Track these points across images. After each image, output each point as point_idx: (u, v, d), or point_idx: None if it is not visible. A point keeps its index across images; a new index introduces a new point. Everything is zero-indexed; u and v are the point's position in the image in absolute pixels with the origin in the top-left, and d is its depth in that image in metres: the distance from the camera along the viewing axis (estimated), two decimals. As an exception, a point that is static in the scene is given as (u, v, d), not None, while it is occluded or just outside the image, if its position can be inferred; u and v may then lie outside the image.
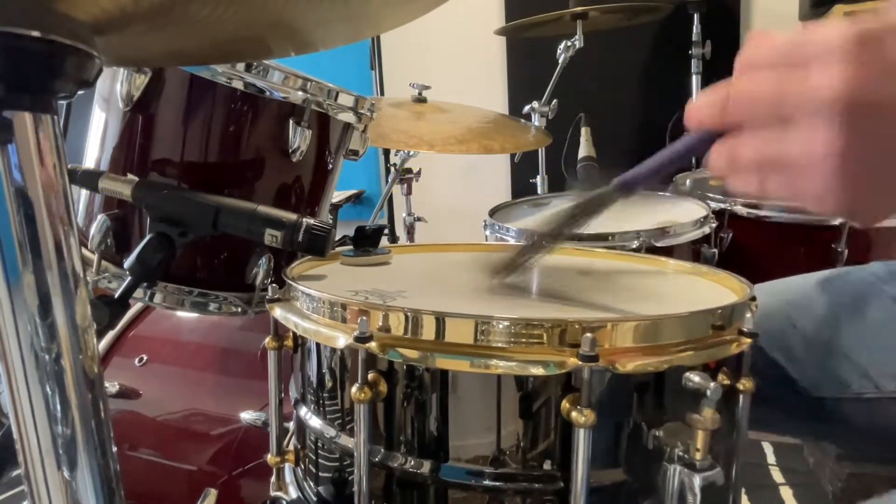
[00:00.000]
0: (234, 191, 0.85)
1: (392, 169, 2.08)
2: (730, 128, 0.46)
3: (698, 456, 0.50)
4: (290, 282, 0.65)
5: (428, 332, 0.52)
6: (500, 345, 0.51)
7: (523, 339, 0.51)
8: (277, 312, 0.64)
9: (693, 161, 2.29)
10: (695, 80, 2.31)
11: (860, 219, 0.47)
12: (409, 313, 0.53)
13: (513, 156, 2.71)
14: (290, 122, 0.85)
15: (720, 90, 0.46)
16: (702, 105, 0.47)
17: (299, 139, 0.85)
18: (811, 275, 0.89)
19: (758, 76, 0.44)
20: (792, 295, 0.86)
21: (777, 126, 0.43)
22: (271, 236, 0.74)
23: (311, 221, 0.75)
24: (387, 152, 2.58)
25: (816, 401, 0.80)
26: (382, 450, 0.57)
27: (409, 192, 2.14)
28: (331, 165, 0.95)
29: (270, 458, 0.71)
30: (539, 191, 2.05)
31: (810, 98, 0.41)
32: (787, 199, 0.46)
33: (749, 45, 0.46)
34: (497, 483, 0.54)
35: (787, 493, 1.56)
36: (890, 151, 0.42)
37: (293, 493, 0.69)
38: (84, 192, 0.88)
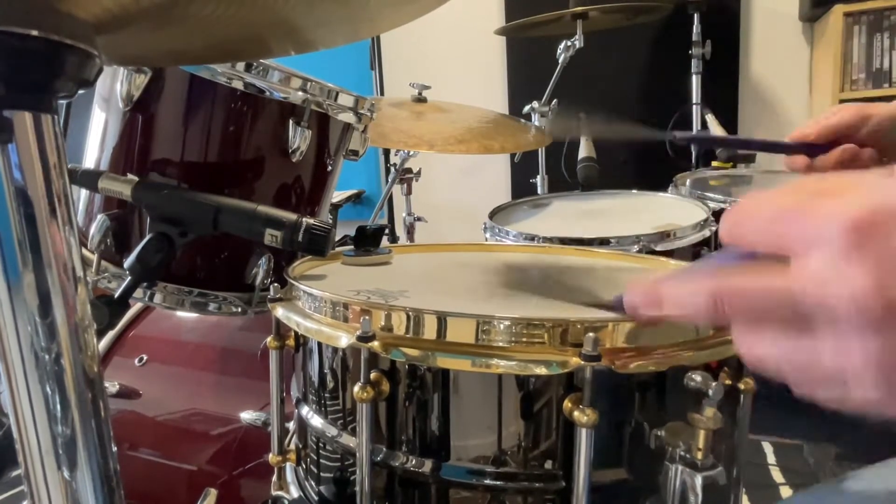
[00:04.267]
0: (234, 191, 0.85)
1: (392, 169, 2.08)
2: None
3: (700, 455, 0.50)
4: (292, 281, 0.65)
5: (430, 331, 0.52)
6: (501, 344, 0.51)
7: (525, 339, 0.51)
8: (279, 312, 0.64)
9: (693, 161, 2.30)
10: (695, 80, 2.31)
11: None
12: (410, 313, 0.53)
13: (513, 156, 2.71)
14: (290, 122, 0.85)
15: (701, 289, 0.38)
16: (685, 300, 0.39)
17: (299, 139, 0.85)
18: None
19: (749, 278, 0.37)
20: None
21: (796, 329, 0.36)
22: (271, 236, 0.74)
23: (311, 221, 0.75)
24: (387, 152, 2.59)
25: (815, 403, 0.80)
26: (384, 449, 0.57)
27: (409, 192, 2.14)
28: (331, 165, 0.95)
29: (272, 457, 0.71)
30: (539, 191, 2.05)
31: (831, 313, 0.34)
32: (844, 408, 0.37)
33: (733, 221, 0.37)
34: (498, 482, 0.54)
35: (787, 493, 1.55)
36: None
37: (294, 492, 0.68)
38: (84, 192, 0.88)
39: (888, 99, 0.76)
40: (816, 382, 0.37)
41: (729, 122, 2.43)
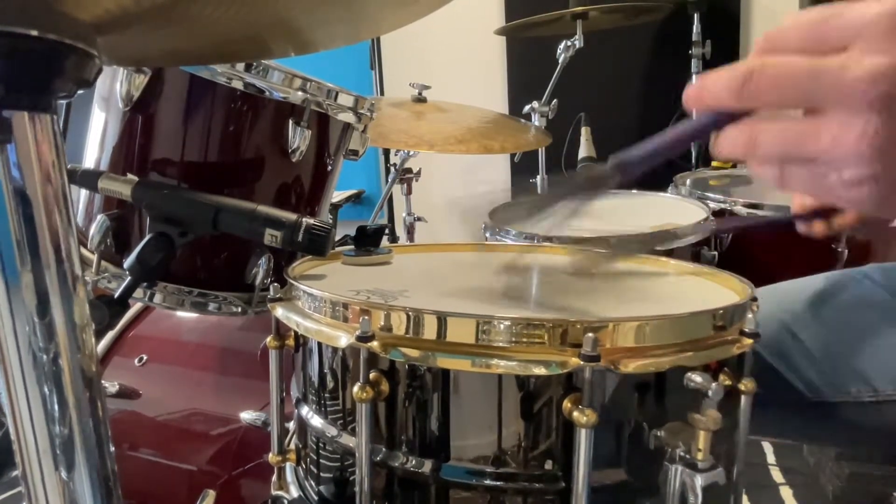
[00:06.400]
0: (234, 191, 0.85)
1: (392, 169, 2.08)
2: (747, 110, 0.43)
3: (700, 456, 0.49)
4: (291, 281, 0.65)
5: (429, 331, 0.52)
6: (501, 344, 0.51)
7: (525, 339, 0.50)
8: (279, 312, 0.64)
9: (693, 161, 2.30)
10: (695, 80, 2.30)
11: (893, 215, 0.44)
12: (410, 313, 0.53)
13: (513, 156, 2.71)
14: (290, 122, 0.85)
15: (738, 68, 0.42)
16: (716, 82, 0.43)
17: (299, 139, 0.85)
18: (806, 279, 0.89)
19: (786, 57, 0.40)
20: (787, 300, 0.86)
21: (807, 103, 0.40)
22: (271, 236, 0.74)
23: (311, 221, 0.74)
24: (387, 152, 2.58)
25: (814, 405, 0.80)
26: (384, 449, 0.57)
27: (409, 192, 2.14)
28: (330, 165, 0.95)
29: (272, 457, 0.71)
30: (539, 190, 2.05)
31: (845, 85, 0.38)
32: (809, 194, 0.43)
33: (777, 28, 0.42)
34: (498, 483, 0.54)
35: (787, 493, 1.55)
36: None
37: (294, 492, 0.68)
38: (84, 192, 0.88)
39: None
40: (802, 162, 0.41)
41: (729, 122, 2.43)
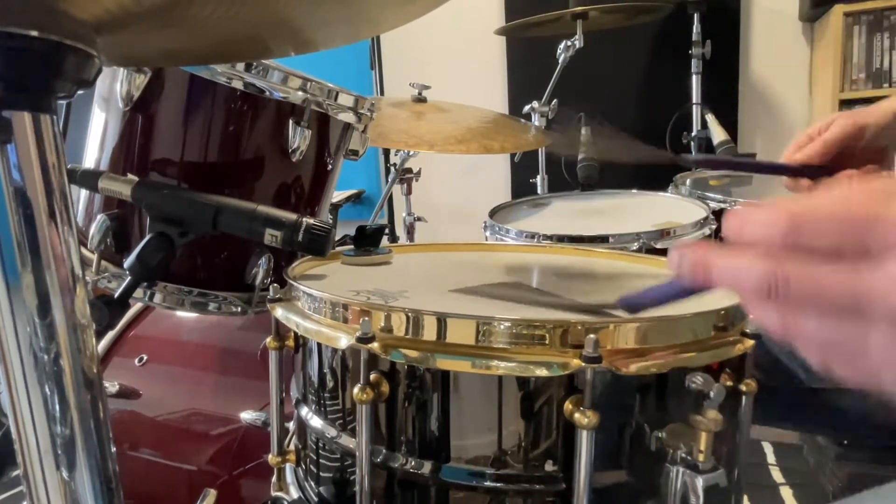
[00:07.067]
0: (234, 191, 0.85)
1: (392, 169, 2.08)
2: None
3: (701, 457, 0.49)
4: (291, 282, 0.65)
5: (429, 332, 0.52)
6: (501, 346, 0.51)
7: (525, 340, 0.50)
8: (279, 312, 0.64)
9: (692, 163, 2.30)
10: (695, 80, 2.31)
11: None
12: (410, 314, 0.52)
13: (513, 156, 2.71)
14: (290, 122, 0.85)
15: (762, 268, 0.36)
16: (737, 278, 0.38)
17: (299, 139, 0.85)
18: None
19: (820, 269, 0.36)
20: None
21: (846, 315, 0.36)
22: (271, 236, 0.74)
23: (311, 221, 0.74)
24: (387, 152, 2.59)
25: (814, 391, 0.80)
26: (384, 450, 0.57)
27: (409, 192, 2.14)
28: (331, 165, 0.95)
29: (271, 458, 0.71)
30: (539, 190, 2.05)
31: (893, 311, 0.34)
32: (856, 383, 0.40)
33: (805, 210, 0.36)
34: (499, 484, 0.54)
35: (787, 493, 1.55)
36: None
37: (294, 493, 0.68)
38: (84, 192, 0.88)
39: (889, 99, 0.76)
40: (857, 368, 0.37)
41: (729, 122, 2.43)
